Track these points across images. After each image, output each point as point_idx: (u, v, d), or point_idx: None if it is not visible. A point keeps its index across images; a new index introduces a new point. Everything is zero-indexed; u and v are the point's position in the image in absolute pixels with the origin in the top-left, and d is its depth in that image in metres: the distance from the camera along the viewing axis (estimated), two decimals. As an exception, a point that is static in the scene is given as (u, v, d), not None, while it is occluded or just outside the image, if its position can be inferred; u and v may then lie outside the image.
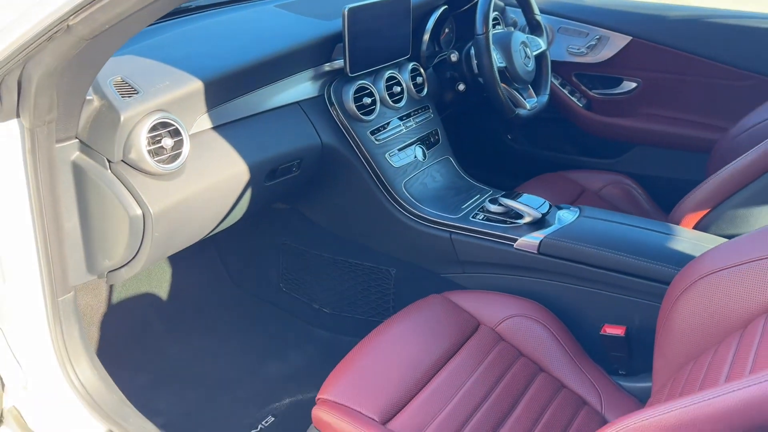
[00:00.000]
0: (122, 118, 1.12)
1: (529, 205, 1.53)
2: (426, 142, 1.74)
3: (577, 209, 1.54)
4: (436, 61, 1.89)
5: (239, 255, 1.91)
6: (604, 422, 1.29)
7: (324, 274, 1.78)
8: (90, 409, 1.31)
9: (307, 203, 1.70)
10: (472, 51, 1.80)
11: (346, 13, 1.48)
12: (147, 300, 1.76)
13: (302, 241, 1.78)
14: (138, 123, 1.14)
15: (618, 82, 2.22)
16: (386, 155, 1.61)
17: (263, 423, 1.51)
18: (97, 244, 1.23)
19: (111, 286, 1.69)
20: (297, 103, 1.50)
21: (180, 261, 1.84)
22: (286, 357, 1.72)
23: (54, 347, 1.30)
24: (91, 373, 1.34)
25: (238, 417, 1.54)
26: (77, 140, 1.16)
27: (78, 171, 1.17)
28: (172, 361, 1.69)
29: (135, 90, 1.17)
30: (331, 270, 1.76)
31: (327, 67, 1.56)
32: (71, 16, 0.95)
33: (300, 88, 1.51)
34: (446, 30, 1.97)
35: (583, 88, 2.25)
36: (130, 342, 1.64)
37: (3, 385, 1.41)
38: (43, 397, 1.36)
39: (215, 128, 1.33)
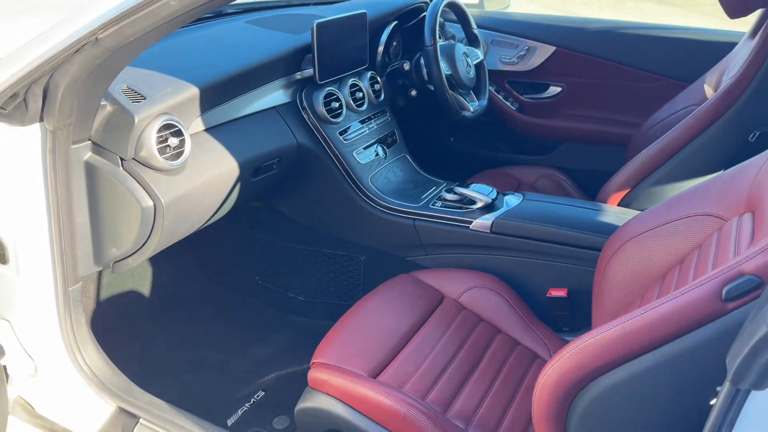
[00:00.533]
0: (136, 120, 1.27)
1: (480, 192, 1.76)
2: (385, 142, 1.95)
3: (521, 194, 1.78)
4: (388, 70, 2.10)
5: (215, 253, 2.04)
6: (553, 371, 1.52)
7: (298, 264, 1.94)
8: (99, 390, 1.43)
9: (282, 200, 1.87)
10: (422, 60, 2.03)
11: (315, 28, 1.68)
12: (131, 297, 1.87)
13: (277, 236, 1.94)
14: (148, 125, 1.29)
15: (545, 87, 2.50)
16: (353, 153, 1.81)
17: (255, 397, 1.66)
18: (106, 236, 1.36)
19: (98, 287, 1.80)
20: (274, 108, 1.68)
21: (159, 262, 1.96)
22: (267, 341, 1.88)
23: (63, 334, 1.41)
24: (98, 357, 1.45)
25: (231, 393, 1.68)
26: (90, 142, 1.30)
27: (90, 169, 1.31)
28: (161, 352, 1.81)
29: (142, 96, 1.31)
30: (304, 260, 1.93)
31: (298, 75, 1.75)
32: (101, 30, 1.10)
33: (275, 94, 1.69)
34: (395, 43, 2.19)
35: (515, 93, 2.52)
36: (119, 336, 1.75)
37: (7, 377, 1.50)
38: (52, 383, 1.46)
39: (207, 130, 1.49)
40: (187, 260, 2.04)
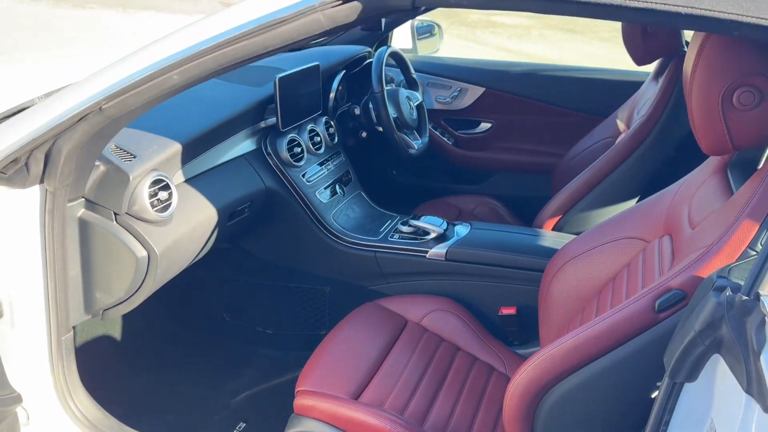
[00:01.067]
0: (131, 178, 1.37)
1: (432, 223, 1.95)
2: (341, 181, 2.12)
3: (468, 224, 1.99)
4: (338, 113, 2.27)
5: (181, 294, 2.12)
6: (509, 381, 1.71)
7: (265, 299, 2.06)
8: None
9: (249, 239, 1.98)
10: (370, 105, 2.21)
11: (277, 81, 1.83)
12: (104, 341, 1.93)
13: (243, 273, 2.05)
14: (140, 181, 1.40)
15: (477, 123, 2.74)
16: (316, 193, 1.96)
17: (237, 428, 1.76)
18: (98, 286, 1.45)
19: (73, 333, 1.85)
20: (243, 156, 1.81)
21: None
22: (240, 375, 1.97)
23: (55, 382, 1.48)
24: (89, 402, 1.52)
25: (213, 427, 1.76)
26: (83, 199, 1.39)
27: (84, 225, 1.39)
28: (138, 393, 1.87)
29: (132, 155, 1.42)
30: (271, 295, 2.05)
31: (262, 124, 1.89)
32: (106, 101, 1.21)
33: (243, 144, 1.82)
34: (340, 87, 2.36)
35: (450, 129, 2.75)
36: (96, 381, 1.80)
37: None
38: (44, 430, 1.52)
39: (187, 181, 1.60)
40: (153, 302, 2.10)
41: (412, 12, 1.09)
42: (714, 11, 0.91)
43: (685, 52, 1.94)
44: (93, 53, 6.09)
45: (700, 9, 0.91)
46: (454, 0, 1.03)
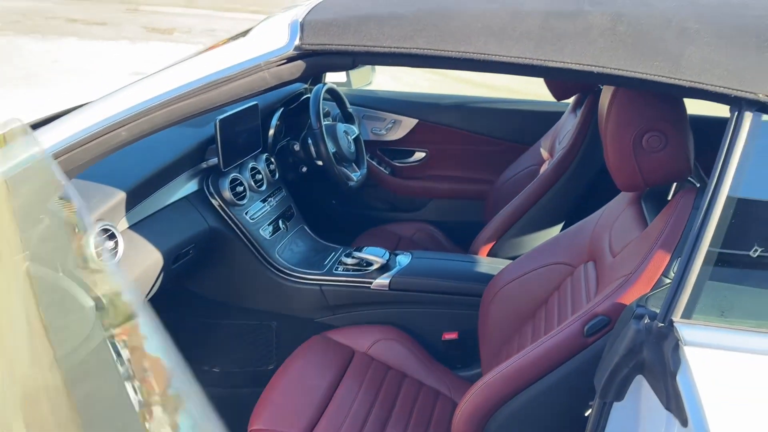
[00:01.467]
0: (76, 230, 1.38)
1: (375, 254, 2.02)
2: (284, 216, 2.16)
3: (409, 254, 2.07)
4: (277, 149, 2.32)
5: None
6: (454, 404, 1.79)
7: (210, 338, 2.06)
8: None
9: (194, 279, 1.99)
10: (309, 140, 2.27)
11: (218, 123, 1.86)
12: (47, 390, 1.89)
13: (187, 313, 2.05)
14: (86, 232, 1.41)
15: (411, 153, 2.85)
16: (260, 230, 1.99)
17: (190, 470, 1.76)
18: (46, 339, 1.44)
19: None
20: (185, 197, 1.83)
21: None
22: (189, 415, 1.97)
23: (1, 439, 1.45)
24: None
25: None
26: (28, 252, 1.39)
27: (28, 279, 1.39)
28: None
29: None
30: (217, 333, 2.06)
31: (204, 165, 1.91)
32: (53, 157, 1.22)
33: (186, 186, 1.84)
34: (278, 123, 2.41)
35: (386, 159, 2.84)
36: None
37: None
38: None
39: (131, 227, 1.61)
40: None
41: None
42: (623, 70, 1.03)
43: (600, 88, 2.12)
44: (15, 88, 5.89)
45: (611, 68, 1.03)
46: (391, 59, 1.12)
